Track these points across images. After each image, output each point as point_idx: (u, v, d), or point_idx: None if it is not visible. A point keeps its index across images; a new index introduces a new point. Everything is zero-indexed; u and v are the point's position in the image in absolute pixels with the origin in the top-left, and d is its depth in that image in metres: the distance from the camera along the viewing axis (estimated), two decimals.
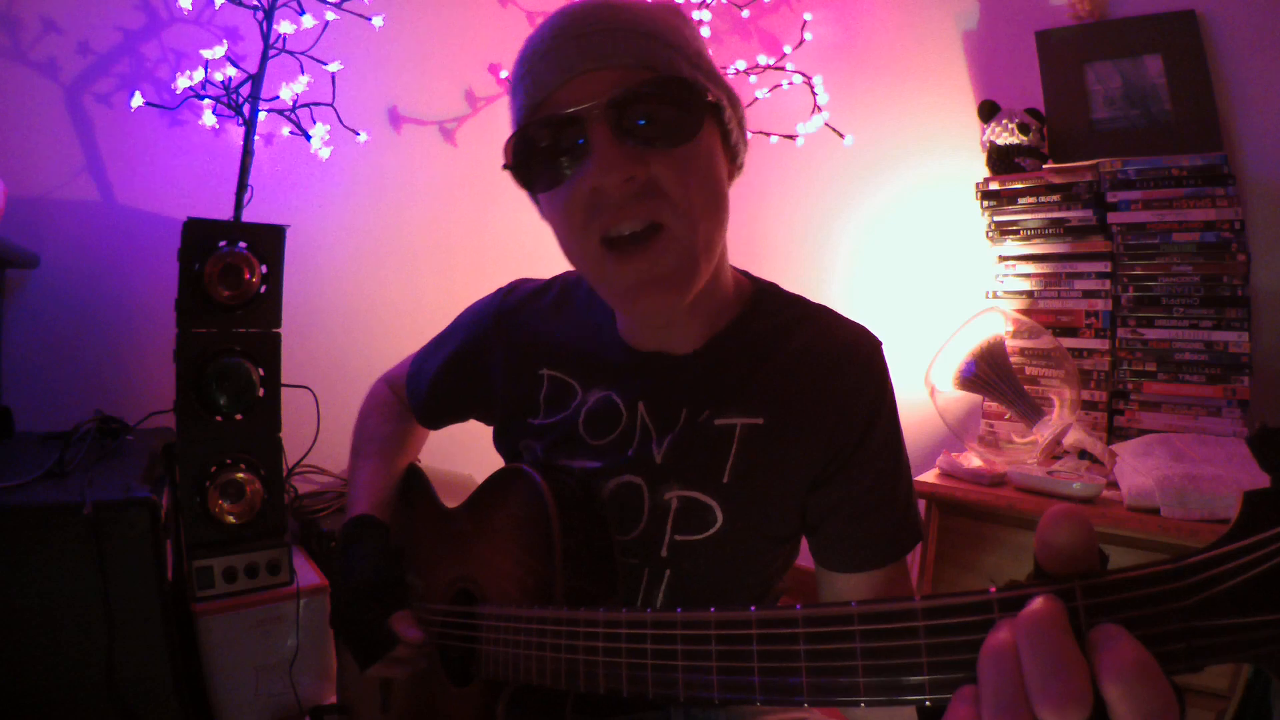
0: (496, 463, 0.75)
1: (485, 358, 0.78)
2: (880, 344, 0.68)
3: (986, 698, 0.29)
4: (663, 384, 0.67)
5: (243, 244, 1.28)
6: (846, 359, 0.66)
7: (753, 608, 0.39)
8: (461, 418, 0.84)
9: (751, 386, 0.65)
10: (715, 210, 0.59)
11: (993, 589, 0.31)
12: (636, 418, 0.67)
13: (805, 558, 0.71)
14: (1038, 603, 0.29)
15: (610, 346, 0.71)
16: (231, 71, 1.49)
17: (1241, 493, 0.27)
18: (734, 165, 0.64)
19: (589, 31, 0.55)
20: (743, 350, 0.67)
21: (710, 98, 0.57)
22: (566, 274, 0.79)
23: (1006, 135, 1.65)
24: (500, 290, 0.81)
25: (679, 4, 0.65)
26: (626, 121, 0.54)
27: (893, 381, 0.67)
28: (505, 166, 0.60)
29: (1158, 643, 0.27)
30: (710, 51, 0.63)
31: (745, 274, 0.73)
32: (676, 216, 0.56)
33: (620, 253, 0.56)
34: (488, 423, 0.80)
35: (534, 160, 0.58)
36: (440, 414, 0.85)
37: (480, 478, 0.71)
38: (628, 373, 0.69)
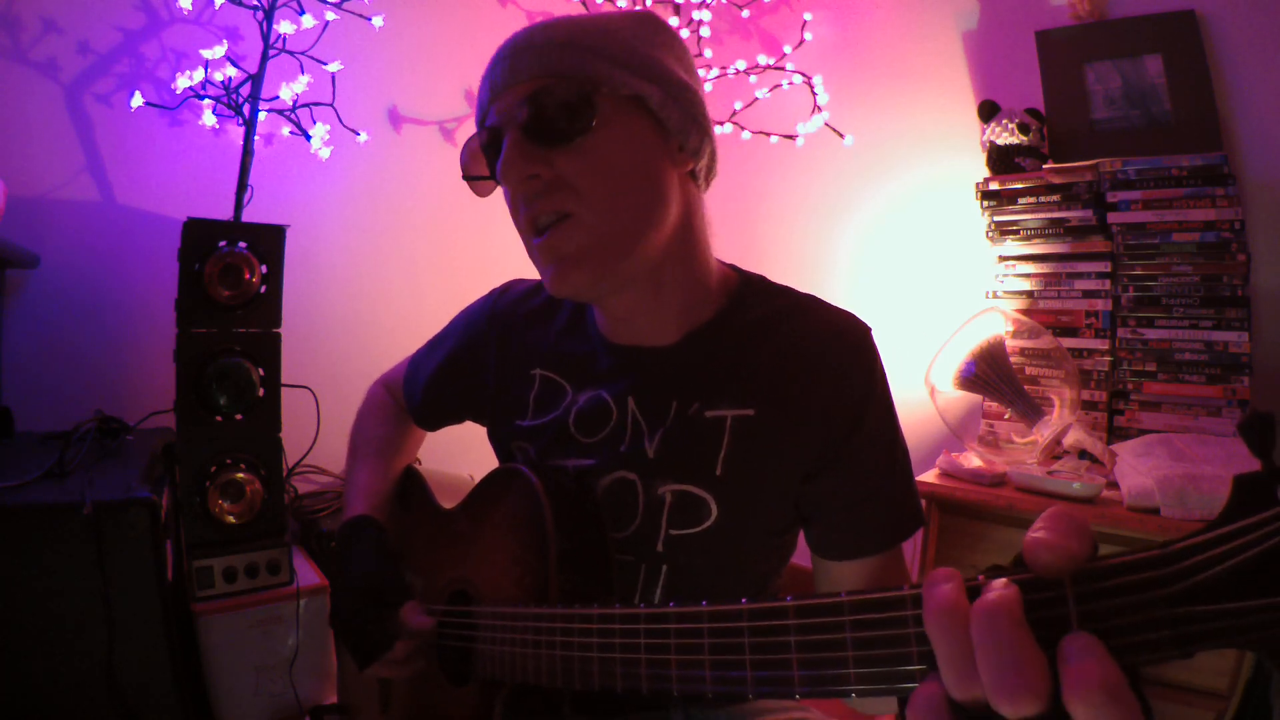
0: (494, 463, 0.75)
1: (479, 359, 0.78)
2: (869, 329, 0.68)
3: (943, 664, 0.30)
4: (650, 378, 0.68)
5: (243, 244, 1.28)
6: (834, 346, 0.66)
7: (744, 600, 0.39)
8: (457, 419, 0.84)
9: (740, 377, 0.66)
10: (631, 195, 0.61)
11: (980, 577, 0.31)
12: (627, 413, 0.67)
13: (801, 556, 0.71)
14: (994, 590, 0.29)
15: (598, 346, 0.71)
16: (231, 71, 1.49)
17: (1231, 477, 0.27)
18: (683, 152, 0.64)
19: (513, 53, 0.61)
20: (729, 341, 0.67)
21: (624, 91, 0.60)
22: None
23: (1006, 135, 1.65)
24: (493, 291, 0.82)
25: (639, 9, 0.69)
26: (530, 125, 0.59)
27: (884, 366, 0.67)
28: (468, 177, 0.67)
29: (1148, 629, 0.27)
30: (657, 47, 0.64)
31: (733, 267, 0.74)
32: (584, 205, 0.60)
33: (538, 237, 0.61)
34: (482, 424, 0.81)
35: (483, 169, 0.65)
36: (436, 416, 0.85)
37: (478, 479, 0.71)
38: (616, 370, 0.69)
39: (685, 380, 0.67)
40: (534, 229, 0.61)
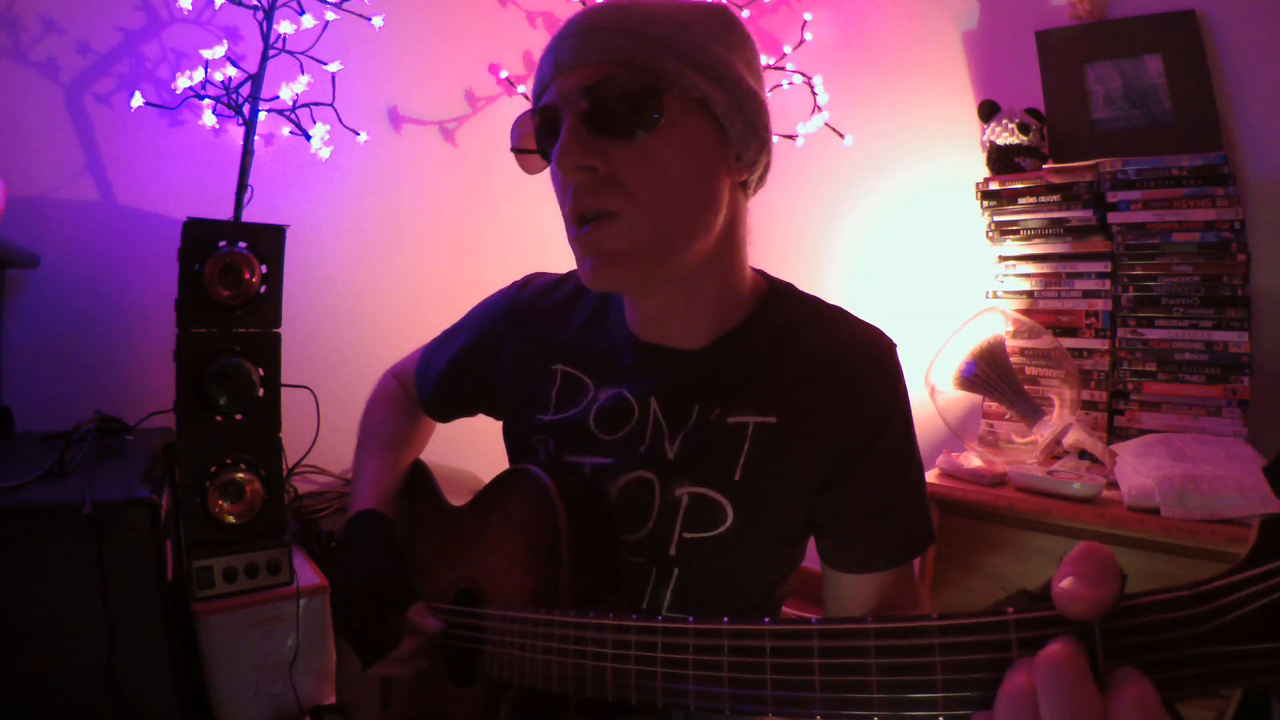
0: (502, 460, 0.75)
1: (496, 352, 0.77)
2: (893, 346, 0.68)
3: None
4: (674, 380, 0.67)
5: (243, 244, 1.27)
6: (858, 360, 0.66)
7: (766, 619, 0.39)
8: (470, 412, 0.84)
9: (763, 385, 0.65)
10: (683, 202, 0.59)
11: (1010, 609, 0.31)
12: (649, 414, 0.67)
13: (810, 560, 0.71)
14: (1057, 648, 0.29)
15: (622, 342, 0.71)
16: (231, 71, 1.49)
17: (1257, 519, 0.28)
18: (740, 161, 0.63)
19: (582, 31, 0.58)
20: (754, 348, 0.67)
21: (692, 93, 0.58)
22: None
23: (1006, 135, 1.65)
24: (515, 284, 0.81)
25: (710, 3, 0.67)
26: (591, 113, 0.57)
27: (906, 384, 0.67)
28: (518, 150, 0.66)
29: (1172, 668, 0.27)
30: (737, 51, 0.62)
31: (761, 273, 0.73)
32: (633, 206, 0.58)
33: (580, 228, 0.60)
34: (496, 417, 0.80)
35: (534, 142, 0.64)
36: (448, 408, 0.85)
37: (485, 475, 0.71)
38: (639, 369, 0.69)
39: (708, 385, 0.66)
40: (577, 220, 0.60)
